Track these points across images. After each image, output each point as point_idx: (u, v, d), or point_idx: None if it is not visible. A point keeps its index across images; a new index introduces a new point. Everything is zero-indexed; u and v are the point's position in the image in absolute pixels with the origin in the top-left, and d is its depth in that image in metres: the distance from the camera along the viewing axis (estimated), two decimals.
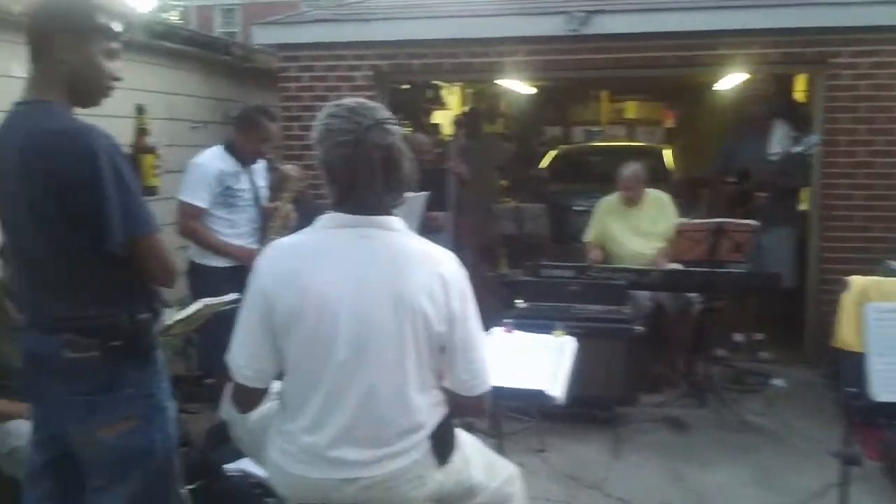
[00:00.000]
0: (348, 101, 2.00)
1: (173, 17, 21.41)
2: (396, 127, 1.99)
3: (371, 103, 2.01)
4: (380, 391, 1.95)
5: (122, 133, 2.21)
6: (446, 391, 2.10)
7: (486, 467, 2.25)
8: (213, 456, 3.75)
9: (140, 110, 2.32)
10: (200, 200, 3.98)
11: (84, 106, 2.15)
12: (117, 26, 2.15)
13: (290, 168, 4.30)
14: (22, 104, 2.10)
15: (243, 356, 2.02)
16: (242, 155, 4.10)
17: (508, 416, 4.11)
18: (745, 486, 3.89)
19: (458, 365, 2.04)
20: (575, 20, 5.70)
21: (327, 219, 2.00)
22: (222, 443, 3.85)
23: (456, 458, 2.11)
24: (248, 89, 6.98)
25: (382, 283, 1.93)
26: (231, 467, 3.59)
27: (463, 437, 2.23)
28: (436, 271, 1.97)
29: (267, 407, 2.19)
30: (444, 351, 2.02)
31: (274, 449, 2.07)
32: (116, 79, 2.16)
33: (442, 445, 2.06)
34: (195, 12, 25.15)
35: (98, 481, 2.18)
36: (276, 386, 2.17)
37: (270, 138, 4.15)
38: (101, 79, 2.13)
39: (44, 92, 2.08)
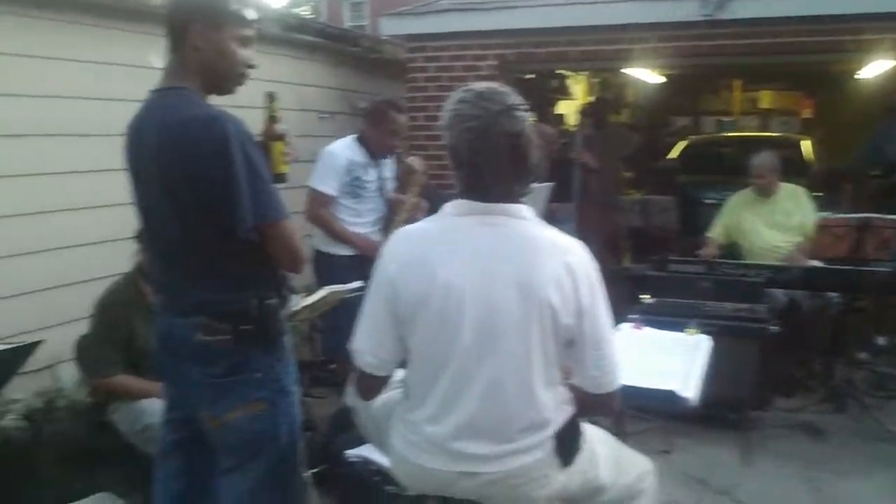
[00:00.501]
0: (478, 86, 1.96)
1: (304, 11, 21.98)
2: (526, 113, 1.93)
3: (502, 88, 1.95)
4: (504, 383, 1.90)
5: (254, 123, 2.24)
6: (573, 388, 2.04)
7: (614, 463, 2.17)
8: (336, 441, 3.81)
9: (271, 98, 2.34)
10: (329, 188, 4.04)
11: (218, 93, 2.19)
12: (251, 13, 2.17)
13: (414, 160, 4.32)
14: (158, 91, 2.15)
15: (366, 343, 2.02)
16: (372, 147, 4.14)
17: (632, 416, 3.98)
18: (883, 498, 3.65)
19: (586, 360, 1.97)
20: (710, 4, 5.48)
21: (453, 206, 1.97)
22: (345, 429, 3.90)
23: (582, 457, 2.04)
24: (376, 80, 7.06)
25: (508, 272, 1.89)
26: (352, 453, 3.62)
27: (590, 431, 2.15)
28: (564, 261, 1.91)
29: (390, 394, 2.19)
30: (572, 345, 1.95)
31: (397, 437, 2.06)
32: (250, 66, 2.19)
33: (566, 446, 1.99)
34: (325, 6, 25.79)
35: (226, 463, 2.23)
36: (399, 374, 2.17)
37: (399, 131, 4.18)
38: (235, 66, 2.16)
39: (179, 79, 2.13)
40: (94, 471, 3.53)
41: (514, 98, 1.93)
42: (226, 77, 2.17)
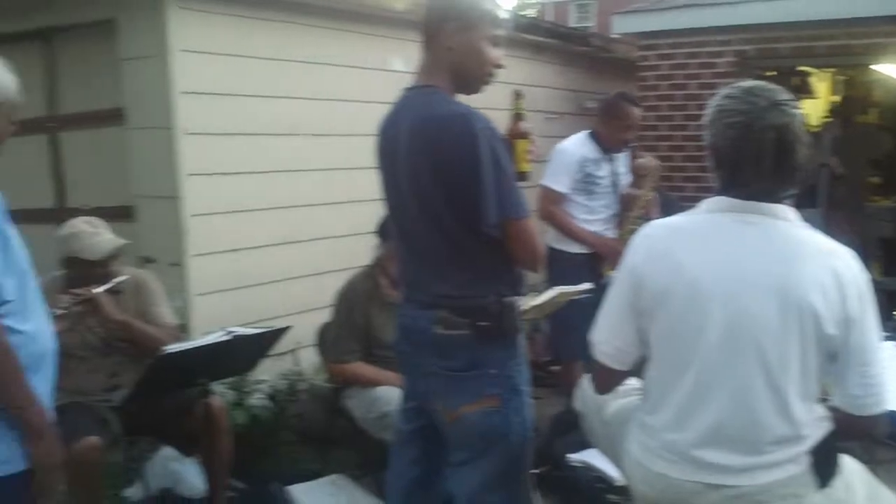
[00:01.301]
0: (746, 82, 1.89)
1: (531, 13, 22.19)
2: (795, 110, 1.82)
3: (770, 85, 1.87)
4: (755, 390, 1.79)
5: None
6: (831, 408, 1.88)
7: (868, 497, 1.97)
8: (557, 444, 3.77)
9: (517, 96, 2.35)
10: (561, 185, 4.02)
11: (466, 93, 2.23)
12: (503, 13, 2.20)
13: (647, 159, 4.22)
14: (411, 89, 2.23)
15: (605, 332, 2.00)
16: (605, 143, 4.08)
17: (882, 443, 3.62)
18: None
19: (849, 377, 1.81)
20: None
21: (710, 202, 1.90)
22: (567, 432, 3.86)
23: (839, 483, 1.87)
24: (604, 80, 6.95)
25: (766, 274, 1.78)
26: (575, 458, 3.58)
27: (845, 459, 1.97)
28: (830, 266, 1.77)
29: (627, 401, 2.13)
30: (834, 359, 1.80)
31: (633, 442, 1.99)
32: (498, 66, 2.21)
33: (825, 465, 1.84)
34: (551, 8, 25.90)
35: (457, 457, 2.25)
36: (635, 382, 2.11)
37: (634, 124, 4.09)
38: (485, 66, 2.19)
39: (431, 78, 2.19)
40: (329, 452, 3.73)
41: (783, 94, 1.84)
42: (475, 76, 2.20)
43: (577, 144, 4.10)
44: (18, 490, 1.92)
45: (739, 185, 1.85)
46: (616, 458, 2.20)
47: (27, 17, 4.23)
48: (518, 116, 2.33)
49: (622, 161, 4.22)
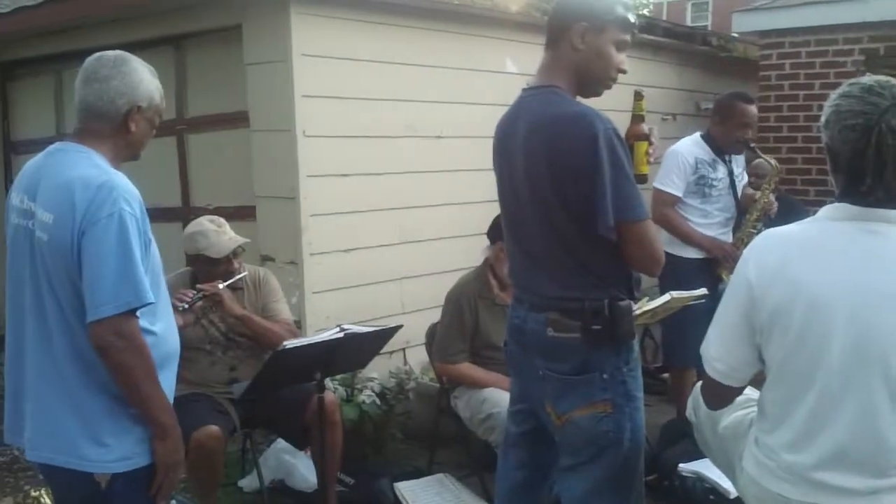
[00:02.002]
0: (866, 79, 1.75)
1: (645, 12, 21.79)
2: None
3: (893, 81, 1.73)
4: (880, 413, 1.68)
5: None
6: None
7: None
8: (666, 452, 3.69)
9: (638, 97, 2.31)
10: (674, 188, 3.94)
11: (586, 95, 2.21)
12: (633, 17, 2.17)
13: (767, 159, 4.09)
14: (530, 89, 2.22)
15: (717, 349, 1.89)
16: (720, 144, 3.97)
17: None
18: None
19: None
20: None
21: (829, 209, 1.78)
22: (676, 441, 3.78)
23: None
24: (721, 80, 6.76)
25: (892, 287, 1.67)
26: (686, 468, 3.49)
27: None
28: None
29: (742, 413, 2.05)
30: None
31: (749, 459, 1.91)
32: (622, 70, 2.18)
33: None
34: (666, 7, 25.36)
35: (566, 461, 2.23)
36: (751, 393, 2.02)
37: (750, 123, 3.96)
38: (609, 69, 2.17)
39: (553, 78, 2.17)
40: (435, 451, 3.77)
41: None
42: (598, 79, 2.18)
43: (690, 146, 4.00)
44: (142, 485, 1.97)
45: (861, 191, 1.72)
46: (729, 471, 2.13)
47: (159, 25, 4.46)
48: (639, 118, 2.29)
49: (739, 162, 4.10)
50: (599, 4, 2.13)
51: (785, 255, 1.78)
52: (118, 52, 2.05)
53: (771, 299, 1.76)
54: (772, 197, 3.95)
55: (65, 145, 2.01)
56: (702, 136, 4.03)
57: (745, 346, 1.84)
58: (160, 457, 1.97)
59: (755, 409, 1.99)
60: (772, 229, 1.92)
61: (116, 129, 2.00)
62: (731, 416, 2.11)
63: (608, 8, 2.13)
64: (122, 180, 1.93)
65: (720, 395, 1.98)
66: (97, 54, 2.03)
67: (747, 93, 4.17)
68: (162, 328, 2.00)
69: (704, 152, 3.97)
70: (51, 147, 2.04)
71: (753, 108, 4.00)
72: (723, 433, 2.13)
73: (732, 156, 4.02)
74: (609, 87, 2.21)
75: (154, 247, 2.00)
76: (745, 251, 1.89)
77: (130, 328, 1.87)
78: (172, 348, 2.07)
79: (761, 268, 1.79)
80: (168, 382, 2.02)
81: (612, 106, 2.36)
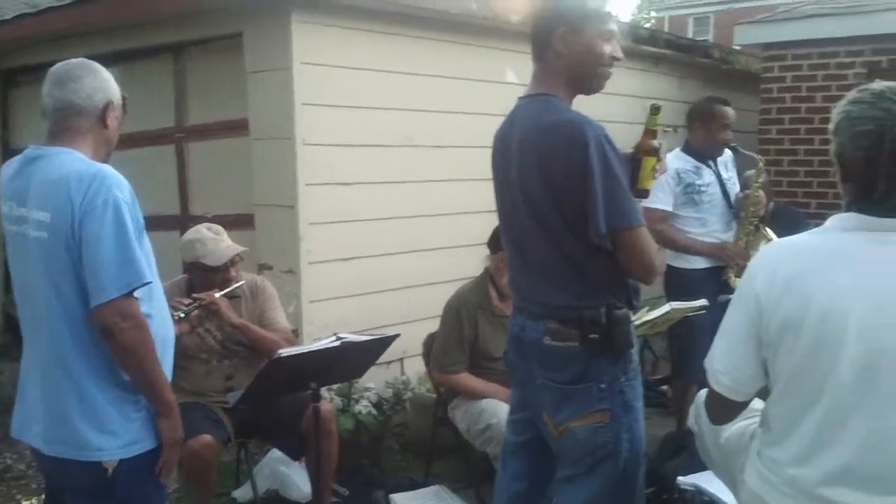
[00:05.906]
0: (876, 84, 1.71)
1: (647, 25, 21.85)
2: None
3: None
4: (893, 427, 1.63)
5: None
6: None
7: None
8: (665, 465, 3.66)
9: (654, 111, 2.27)
10: (661, 203, 3.92)
11: (586, 93, 2.21)
12: (609, 7, 2.17)
13: (752, 155, 4.12)
14: (525, 98, 2.22)
15: (722, 361, 1.84)
16: (702, 149, 3.97)
17: None
18: None
19: None
20: None
21: (839, 219, 1.74)
22: (676, 453, 3.75)
23: None
24: (722, 93, 6.72)
25: None
26: (685, 481, 3.46)
27: None
28: None
29: (745, 423, 2.02)
30: None
31: (751, 473, 1.87)
32: (616, 58, 2.17)
33: None
34: (668, 21, 25.44)
35: (564, 472, 2.21)
36: (756, 404, 1.97)
37: (730, 124, 3.97)
38: (599, 62, 2.16)
39: (545, 86, 2.17)
40: (432, 462, 3.74)
41: None
42: (592, 75, 2.18)
43: (670, 159, 3.98)
44: (151, 466, 2.07)
45: (873, 200, 1.68)
46: (731, 483, 2.10)
47: (160, 33, 4.44)
48: (651, 133, 2.25)
49: (727, 166, 4.09)
50: (571, 5, 2.15)
51: (795, 267, 1.72)
52: (81, 59, 2.14)
53: (780, 312, 1.71)
54: (761, 193, 3.94)
55: (45, 150, 2.07)
56: (681, 150, 4.04)
57: (752, 360, 1.80)
58: (165, 434, 2.06)
59: (758, 419, 1.95)
60: (779, 240, 1.88)
61: (95, 125, 2.09)
62: (733, 427, 2.07)
63: (580, 6, 2.14)
64: (111, 170, 2.02)
65: (725, 410, 1.94)
66: (61, 63, 2.12)
67: (719, 96, 4.21)
68: (157, 311, 2.09)
69: (685, 162, 3.98)
70: (27, 153, 2.10)
71: (730, 110, 4.03)
72: (725, 444, 2.10)
73: (717, 159, 4.02)
74: (608, 77, 2.20)
75: (145, 237, 2.06)
76: (752, 263, 1.85)
77: (133, 308, 1.96)
78: (167, 333, 2.15)
79: (770, 280, 1.73)
80: (166, 367, 2.10)
81: (621, 118, 2.34)
